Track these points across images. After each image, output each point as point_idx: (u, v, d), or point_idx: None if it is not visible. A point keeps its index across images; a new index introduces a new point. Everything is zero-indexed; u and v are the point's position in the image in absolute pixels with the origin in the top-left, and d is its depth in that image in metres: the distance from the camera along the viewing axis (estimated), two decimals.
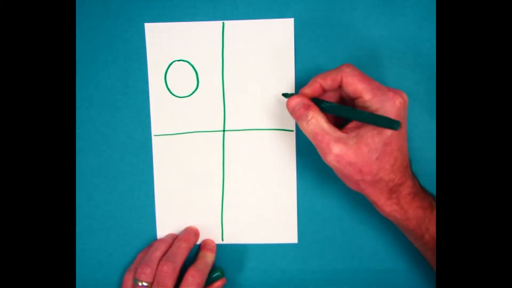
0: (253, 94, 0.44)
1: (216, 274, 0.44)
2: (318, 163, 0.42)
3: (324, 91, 0.38)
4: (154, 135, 0.44)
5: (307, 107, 0.37)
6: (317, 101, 0.38)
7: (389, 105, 0.35)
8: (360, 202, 0.43)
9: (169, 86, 0.44)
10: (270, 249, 0.45)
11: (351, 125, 0.37)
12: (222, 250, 0.45)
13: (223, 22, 0.43)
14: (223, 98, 0.44)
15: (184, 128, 0.44)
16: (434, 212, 0.38)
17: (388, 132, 0.35)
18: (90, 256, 0.46)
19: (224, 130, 0.44)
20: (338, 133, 0.36)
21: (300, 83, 0.43)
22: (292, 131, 0.44)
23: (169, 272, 0.40)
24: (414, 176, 0.38)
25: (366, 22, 0.42)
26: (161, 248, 0.42)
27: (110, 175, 0.45)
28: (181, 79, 0.44)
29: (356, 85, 0.35)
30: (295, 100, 0.38)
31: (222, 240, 0.45)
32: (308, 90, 0.38)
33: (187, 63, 0.44)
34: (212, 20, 0.43)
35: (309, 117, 0.36)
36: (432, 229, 0.37)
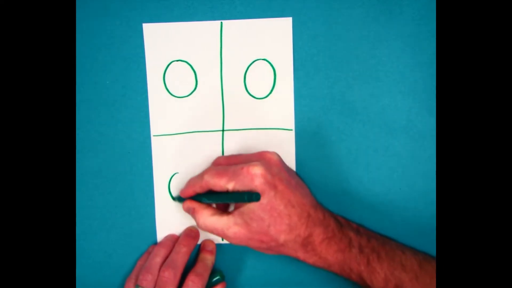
0: (252, 94, 0.44)
1: (216, 278, 0.44)
2: (317, 162, 0.42)
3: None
4: (153, 135, 0.44)
5: (193, 210, 0.41)
6: (199, 197, 0.41)
7: (247, 181, 0.37)
8: (358, 201, 0.43)
9: (168, 86, 0.44)
10: None
11: (237, 205, 0.40)
12: (222, 250, 0.45)
13: (221, 22, 0.43)
14: (222, 97, 0.44)
15: (183, 128, 0.44)
16: (353, 250, 0.38)
17: (263, 200, 0.36)
18: (90, 257, 0.46)
19: (223, 130, 0.44)
20: (225, 219, 0.38)
21: (298, 83, 0.43)
22: (291, 130, 0.44)
23: (170, 278, 0.40)
24: (325, 217, 0.39)
25: (364, 20, 0.42)
26: (161, 254, 0.42)
27: (109, 175, 0.45)
28: (179, 79, 0.44)
29: (219, 183, 0.38)
30: (185, 206, 0.42)
31: (222, 240, 0.45)
32: (184, 195, 0.42)
33: (185, 63, 0.44)
34: (210, 20, 0.43)
35: (197, 219, 0.40)
36: (355, 267, 0.38)
